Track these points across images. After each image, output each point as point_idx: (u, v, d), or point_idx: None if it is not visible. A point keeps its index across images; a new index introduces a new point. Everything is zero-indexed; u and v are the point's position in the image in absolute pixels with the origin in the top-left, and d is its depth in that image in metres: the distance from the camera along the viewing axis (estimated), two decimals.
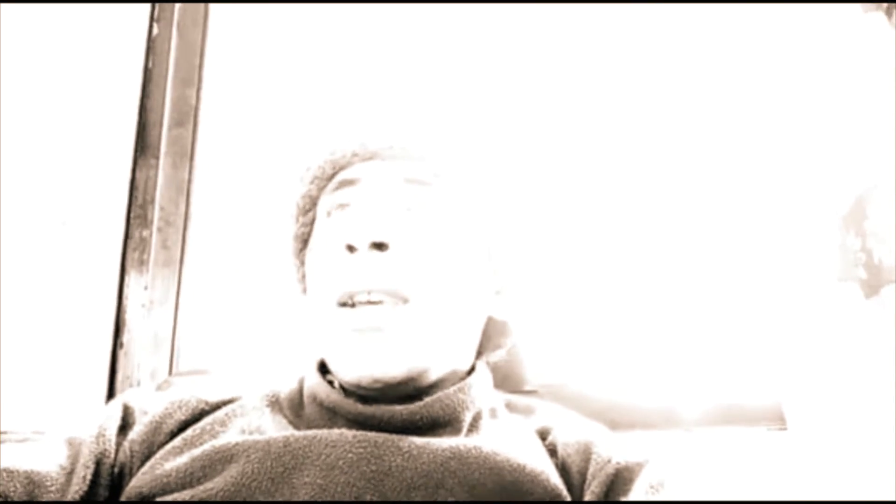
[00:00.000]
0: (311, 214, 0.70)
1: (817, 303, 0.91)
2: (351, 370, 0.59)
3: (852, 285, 0.90)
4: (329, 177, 0.68)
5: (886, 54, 0.97)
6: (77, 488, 0.55)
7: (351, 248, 0.60)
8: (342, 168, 0.67)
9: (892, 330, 0.85)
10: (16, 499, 0.52)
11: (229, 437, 0.57)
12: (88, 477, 0.56)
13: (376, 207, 0.63)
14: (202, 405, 0.63)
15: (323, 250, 0.64)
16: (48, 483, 0.54)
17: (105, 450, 0.58)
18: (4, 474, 0.53)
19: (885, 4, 0.98)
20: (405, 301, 0.60)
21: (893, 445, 0.80)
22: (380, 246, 0.60)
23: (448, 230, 0.64)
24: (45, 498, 0.53)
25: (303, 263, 0.71)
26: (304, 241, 0.71)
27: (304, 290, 0.72)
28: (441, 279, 0.62)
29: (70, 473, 0.56)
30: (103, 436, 0.59)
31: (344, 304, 0.60)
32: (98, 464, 0.57)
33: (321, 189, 0.69)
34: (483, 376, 0.67)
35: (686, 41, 1.10)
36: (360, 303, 0.59)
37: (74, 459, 0.57)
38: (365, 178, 0.65)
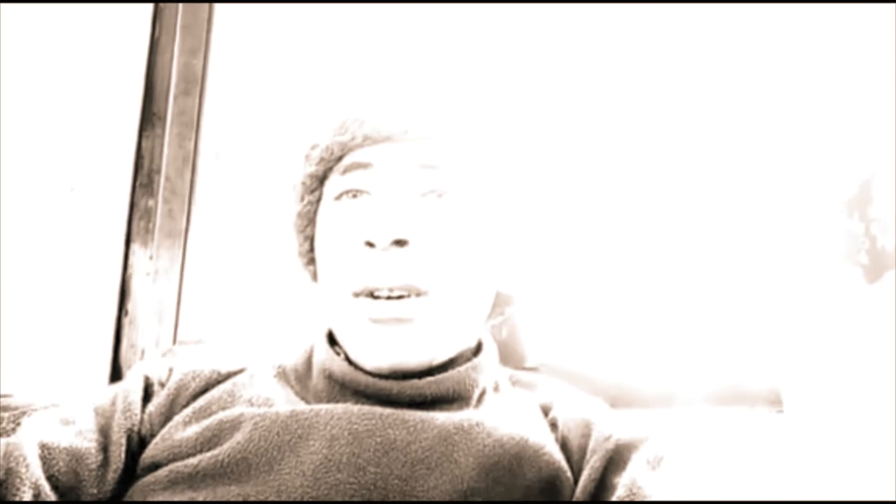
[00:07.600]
0: (317, 193, 0.68)
1: (819, 286, 0.91)
2: (372, 360, 0.60)
3: (854, 270, 0.90)
4: (337, 158, 0.65)
5: (890, 40, 0.96)
6: (115, 467, 0.56)
7: (371, 245, 0.60)
8: (352, 150, 0.64)
9: (893, 315, 0.86)
10: (61, 478, 0.53)
11: (237, 407, 0.58)
12: (123, 455, 0.57)
13: (394, 200, 0.61)
14: (215, 375, 0.63)
15: (337, 241, 0.63)
16: (89, 461, 0.55)
17: (133, 424, 0.59)
18: (46, 451, 0.53)
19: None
20: (424, 293, 0.60)
21: (893, 430, 0.81)
22: (400, 242, 0.60)
23: (464, 218, 0.63)
24: (87, 474, 0.55)
25: (306, 239, 0.71)
26: (309, 218, 0.70)
27: (307, 264, 0.72)
28: (459, 271, 0.62)
29: (105, 449, 0.57)
30: (129, 409, 0.60)
31: (361, 295, 0.60)
32: (128, 439, 0.58)
33: (329, 169, 0.66)
34: (491, 352, 0.68)
35: (692, 27, 1.09)
36: (381, 297, 0.59)
37: (105, 433, 0.58)
38: (378, 163, 0.63)
